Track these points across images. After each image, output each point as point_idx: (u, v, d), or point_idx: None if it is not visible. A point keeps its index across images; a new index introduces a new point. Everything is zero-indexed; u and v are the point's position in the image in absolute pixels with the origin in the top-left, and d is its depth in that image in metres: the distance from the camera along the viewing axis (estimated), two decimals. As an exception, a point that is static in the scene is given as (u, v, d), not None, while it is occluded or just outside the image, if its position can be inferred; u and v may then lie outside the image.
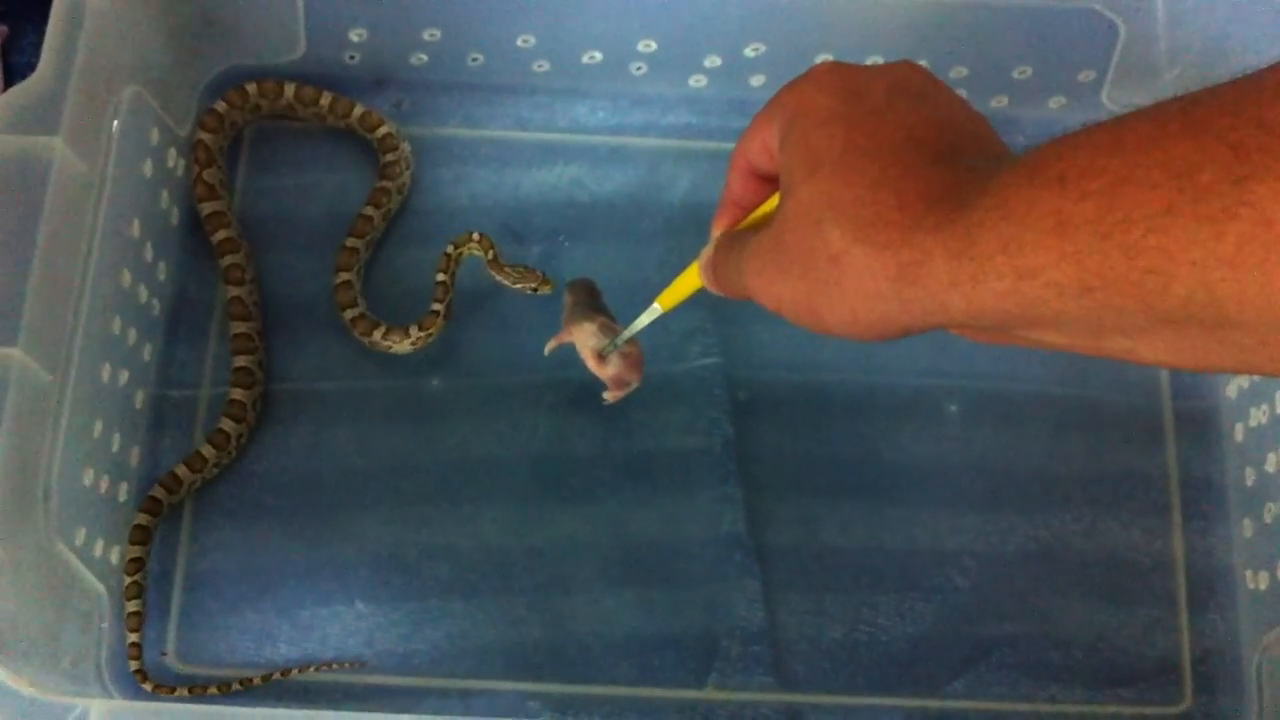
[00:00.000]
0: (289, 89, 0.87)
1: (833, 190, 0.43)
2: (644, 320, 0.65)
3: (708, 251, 0.55)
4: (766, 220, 0.49)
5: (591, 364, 0.71)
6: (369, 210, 0.85)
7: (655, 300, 0.63)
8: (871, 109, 0.44)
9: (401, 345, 0.82)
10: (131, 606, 0.74)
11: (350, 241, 0.84)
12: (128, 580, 0.75)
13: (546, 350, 0.75)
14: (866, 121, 0.44)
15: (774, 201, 0.51)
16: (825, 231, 0.42)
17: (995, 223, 0.38)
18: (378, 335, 0.82)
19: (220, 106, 0.86)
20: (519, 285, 0.82)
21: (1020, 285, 0.37)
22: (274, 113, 0.88)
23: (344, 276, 0.83)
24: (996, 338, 0.46)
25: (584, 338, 0.71)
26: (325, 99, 0.87)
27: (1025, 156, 0.38)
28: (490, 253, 0.83)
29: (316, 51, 0.86)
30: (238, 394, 0.80)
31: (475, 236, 0.83)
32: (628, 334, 0.68)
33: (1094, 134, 0.37)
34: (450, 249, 0.83)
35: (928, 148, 0.43)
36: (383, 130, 0.87)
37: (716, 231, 0.55)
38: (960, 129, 0.45)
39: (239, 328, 0.82)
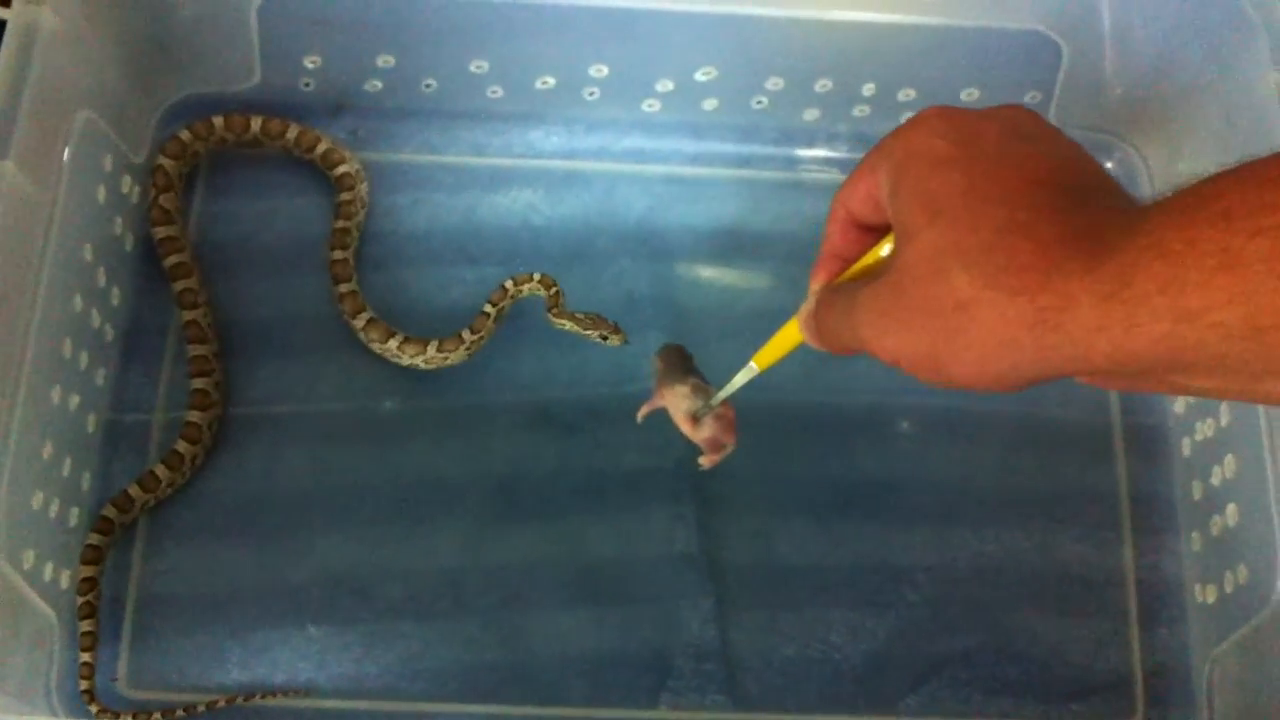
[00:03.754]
0: (255, 122, 0.87)
1: (957, 236, 0.41)
2: (739, 381, 0.63)
3: (808, 306, 0.52)
4: (871, 271, 0.47)
5: (685, 428, 0.68)
6: (339, 254, 0.85)
7: (751, 359, 0.61)
8: (987, 152, 0.43)
9: (457, 354, 0.82)
10: (84, 626, 0.74)
11: (344, 287, 0.84)
12: (80, 600, 0.74)
13: (639, 417, 0.70)
14: (985, 165, 0.42)
15: (877, 252, 0.49)
16: (952, 279, 0.41)
17: (1150, 263, 0.36)
18: (432, 350, 0.82)
19: (184, 135, 0.86)
20: (588, 333, 0.81)
21: (1180, 328, 0.36)
22: (239, 144, 0.88)
23: (366, 316, 0.83)
24: (1132, 384, 0.44)
25: (677, 401, 0.68)
26: (291, 132, 0.87)
27: (1176, 195, 0.37)
28: (555, 304, 0.82)
29: (272, 79, 0.87)
30: (194, 415, 0.80)
31: (537, 277, 0.83)
32: (722, 395, 0.66)
33: (1255, 169, 0.35)
34: (509, 284, 0.82)
35: (1052, 190, 0.41)
36: (341, 169, 0.87)
37: (815, 285, 0.52)
38: (1079, 170, 0.43)
39: (196, 350, 0.82)
